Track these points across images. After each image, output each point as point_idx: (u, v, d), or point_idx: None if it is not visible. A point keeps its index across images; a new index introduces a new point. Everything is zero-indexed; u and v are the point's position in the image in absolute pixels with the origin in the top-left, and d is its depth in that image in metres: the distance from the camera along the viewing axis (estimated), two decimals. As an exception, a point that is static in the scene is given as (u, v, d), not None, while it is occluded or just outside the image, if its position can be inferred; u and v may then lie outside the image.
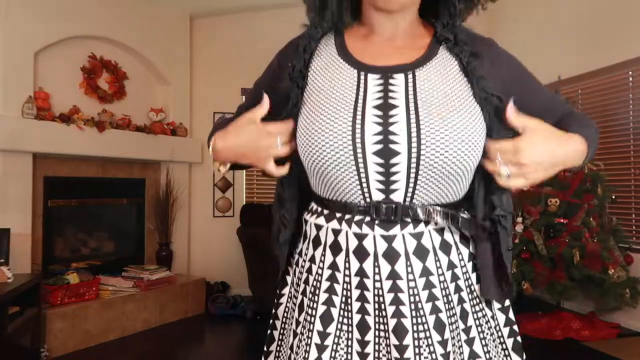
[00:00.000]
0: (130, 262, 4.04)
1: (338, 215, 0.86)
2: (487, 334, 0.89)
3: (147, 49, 4.28)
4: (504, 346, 0.91)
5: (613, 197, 3.51)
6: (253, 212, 4.16)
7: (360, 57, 0.87)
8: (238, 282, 4.42)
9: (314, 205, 0.92)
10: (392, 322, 0.81)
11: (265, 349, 1.01)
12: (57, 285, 3.24)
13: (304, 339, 0.86)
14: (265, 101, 0.85)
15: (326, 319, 0.85)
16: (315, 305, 0.86)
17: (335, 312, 0.85)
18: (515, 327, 0.93)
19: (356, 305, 0.84)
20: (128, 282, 3.68)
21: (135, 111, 4.19)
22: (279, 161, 0.86)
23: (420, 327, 0.80)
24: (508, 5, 4.19)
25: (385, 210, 0.81)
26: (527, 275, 3.39)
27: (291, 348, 0.89)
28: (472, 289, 0.89)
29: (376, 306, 0.83)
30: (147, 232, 4.30)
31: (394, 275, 0.82)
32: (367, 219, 0.83)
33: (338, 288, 0.86)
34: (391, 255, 0.82)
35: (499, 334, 0.91)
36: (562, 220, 3.44)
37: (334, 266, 0.86)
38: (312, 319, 0.86)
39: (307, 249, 0.92)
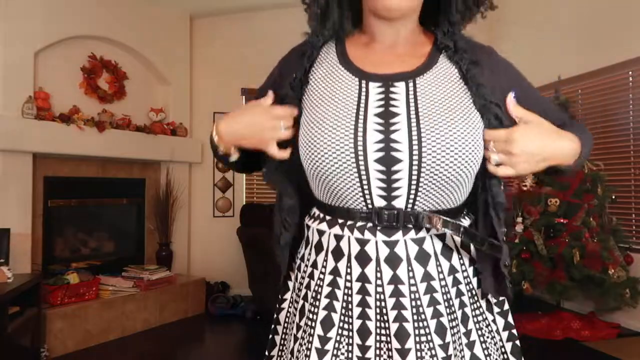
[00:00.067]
0: (130, 262, 4.05)
1: (340, 221, 0.87)
2: (487, 337, 0.89)
3: (147, 49, 4.28)
4: (502, 350, 0.92)
5: (613, 197, 3.51)
6: (253, 212, 4.15)
7: (361, 65, 0.88)
8: (238, 282, 4.42)
9: (315, 211, 0.93)
10: (394, 327, 0.82)
11: (266, 353, 1.02)
12: (57, 285, 3.24)
13: (305, 344, 0.87)
14: (270, 95, 0.88)
15: (327, 323, 0.86)
16: (316, 310, 0.87)
17: (336, 317, 0.86)
18: (514, 331, 0.94)
19: (357, 311, 0.85)
20: (128, 282, 3.68)
21: (135, 111, 4.19)
22: (281, 145, 0.87)
23: (422, 331, 0.81)
24: (508, 7, 4.20)
25: (387, 216, 0.82)
26: (527, 275, 3.39)
27: (291, 352, 0.90)
28: (474, 293, 0.90)
29: (378, 311, 0.84)
30: (147, 232, 4.30)
31: (395, 280, 0.83)
32: (369, 225, 0.83)
33: (339, 293, 0.86)
34: (393, 261, 0.83)
35: (499, 337, 0.92)
36: (562, 220, 3.44)
37: (335, 271, 0.87)
38: (313, 323, 0.86)
39: (310, 254, 0.92)
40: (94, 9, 3.86)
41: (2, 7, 3.29)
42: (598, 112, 3.77)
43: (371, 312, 0.84)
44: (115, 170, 4.06)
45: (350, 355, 0.84)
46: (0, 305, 2.50)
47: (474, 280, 0.90)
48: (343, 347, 0.84)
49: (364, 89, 0.84)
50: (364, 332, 0.84)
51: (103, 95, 3.96)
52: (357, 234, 0.84)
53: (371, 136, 0.80)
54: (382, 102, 0.82)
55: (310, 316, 0.87)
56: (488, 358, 0.88)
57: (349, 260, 0.86)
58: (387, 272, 0.83)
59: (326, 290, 0.87)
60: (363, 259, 0.84)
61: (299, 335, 0.89)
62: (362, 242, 0.84)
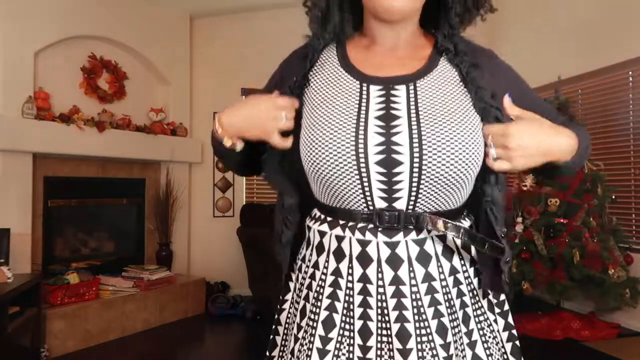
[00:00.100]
0: (130, 262, 4.05)
1: (341, 222, 0.87)
2: (489, 337, 0.90)
3: (147, 49, 4.28)
4: (502, 350, 0.92)
5: (613, 197, 3.51)
6: (253, 212, 4.15)
7: (362, 68, 0.88)
8: (238, 282, 4.42)
9: (316, 212, 0.93)
10: (395, 327, 0.82)
11: (267, 353, 1.02)
12: (57, 285, 3.24)
13: (306, 344, 0.87)
14: (275, 93, 0.88)
15: (328, 324, 0.86)
16: (318, 311, 0.87)
17: (337, 317, 0.86)
18: (514, 332, 0.95)
19: (358, 311, 0.85)
20: (128, 282, 3.68)
21: (135, 111, 4.19)
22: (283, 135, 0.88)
23: (423, 331, 0.82)
24: (507, 10, 4.20)
25: (388, 217, 0.82)
26: (527, 275, 3.39)
27: (292, 352, 0.90)
28: (475, 294, 0.90)
29: (379, 311, 0.84)
30: (147, 232, 4.30)
31: (397, 281, 0.83)
32: (370, 226, 0.84)
33: (340, 294, 0.87)
34: (394, 261, 0.84)
35: (499, 338, 0.92)
36: (562, 220, 3.44)
37: (337, 272, 0.87)
38: (315, 323, 0.87)
39: (311, 255, 0.93)
40: (94, 9, 3.86)
41: (2, 7, 3.29)
42: (598, 112, 3.77)
43: (372, 313, 0.84)
44: (115, 170, 4.06)
45: (351, 355, 0.84)
46: (0, 305, 2.50)
47: (475, 281, 0.91)
48: (344, 347, 0.85)
49: (364, 92, 0.85)
50: (365, 333, 0.84)
51: (103, 95, 3.96)
52: (358, 235, 0.85)
53: (372, 138, 0.81)
54: (383, 105, 0.83)
55: (312, 316, 0.88)
56: (490, 358, 0.88)
57: (350, 261, 0.86)
58: (388, 273, 0.84)
59: (328, 290, 0.87)
60: (364, 259, 0.85)
61: (300, 335, 0.89)
62: (364, 243, 0.84)
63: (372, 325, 0.84)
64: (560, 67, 3.85)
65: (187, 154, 4.48)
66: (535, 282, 3.41)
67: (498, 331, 0.92)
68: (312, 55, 0.92)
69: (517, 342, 0.94)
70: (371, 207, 0.83)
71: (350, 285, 0.86)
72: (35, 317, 2.91)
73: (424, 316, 0.82)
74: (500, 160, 0.78)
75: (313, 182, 0.89)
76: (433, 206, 0.84)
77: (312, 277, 0.91)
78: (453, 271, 0.87)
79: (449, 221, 0.83)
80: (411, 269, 0.84)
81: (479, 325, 0.89)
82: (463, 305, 0.88)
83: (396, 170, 0.80)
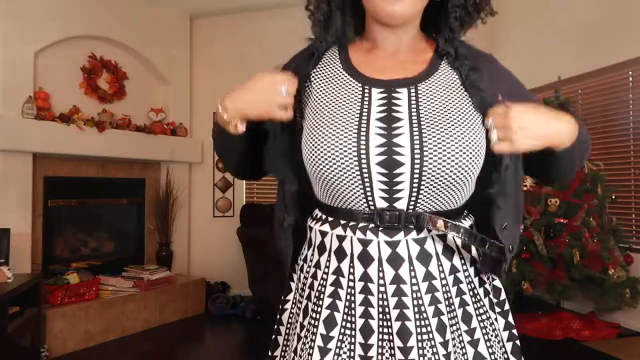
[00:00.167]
0: (130, 262, 4.05)
1: (343, 222, 0.88)
2: (491, 335, 0.91)
3: (147, 49, 4.28)
4: (503, 350, 0.93)
5: (613, 197, 3.51)
6: (253, 212, 4.15)
7: (364, 71, 0.90)
8: (238, 282, 4.42)
9: (317, 213, 0.94)
10: (396, 325, 0.83)
11: (269, 353, 1.03)
12: (57, 285, 3.24)
13: (308, 342, 0.88)
14: (279, 69, 0.89)
15: (330, 322, 0.87)
16: (319, 310, 0.88)
17: (338, 316, 0.87)
18: (514, 331, 0.96)
19: (360, 310, 0.86)
20: (128, 282, 3.68)
21: (135, 111, 4.19)
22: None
23: (424, 330, 0.83)
24: (507, 12, 4.20)
25: (389, 217, 0.84)
26: (527, 275, 3.39)
27: (295, 351, 0.91)
28: (475, 293, 0.91)
29: (380, 310, 0.85)
30: (147, 232, 4.30)
31: (397, 280, 0.85)
32: (372, 225, 0.85)
33: (342, 293, 0.88)
34: (395, 260, 0.85)
35: (500, 337, 0.93)
36: (562, 220, 3.44)
37: (338, 271, 0.89)
38: (316, 322, 0.88)
39: (312, 255, 0.94)
40: (94, 9, 3.87)
41: (2, 7, 3.29)
42: (598, 112, 3.77)
43: (374, 311, 0.85)
44: (115, 170, 4.06)
45: (352, 353, 0.85)
46: (0, 305, 2.50)
47: (476, 280, 0.92)
48: (345, 345, 0.86)
49: (367, 95, 0.86)
50: (366, 331, 0.85)
51: (103, 95, 3.96)
52: (359, 234, 0.86)
53: (374, 140, 0.82)
54: (385, 108, 0.85)
55: (314, 315, 0.89)
56: (492, 356, 0.89)
57: (351, 261, 0.87)
58: (389, 272, 0.85)
59: (329, 289, 0.89)
60: (365, 259, 0.86)
61: (302, 334, 0.90)
62: (365, 243, 0.86)
63: (374, 324, 0.85)
64: (560, 68, 3.85)
65: (187, 154, 4.48)
66: (535, 282, 3.41)
67: (498, 329, 0.93)
68: (316, 56, 0.93)
69: (518, 342, 0.95)
70: (372, 207, 0.84)
71: (351, 284, 0.87)
72: (35, 317, 2.91)
73: (424, 314, 0.83)
74: (502, 142, 0.78)
75: (315, 183, 0.90)
76: (433, 206, 0.85)
77: (314, 276, 0.92)
78: (453, 270, 0.88)
79: (449, 221, 0.84)
80: (412, 267, 0.85)
81: (481, 324, 0.90)
82: (463, 303, 0.89)
83: (397, 171, 0.81)
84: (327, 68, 0.93)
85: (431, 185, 0.82)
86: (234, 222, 4.32)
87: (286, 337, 1.00)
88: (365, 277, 0.86)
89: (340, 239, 0.88)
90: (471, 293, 0.90)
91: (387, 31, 0.90)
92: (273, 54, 0.99)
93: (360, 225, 0.86)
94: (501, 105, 0.78)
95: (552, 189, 3.50)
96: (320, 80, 0.92)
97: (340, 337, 0.86)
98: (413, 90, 0.86)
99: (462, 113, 0.84)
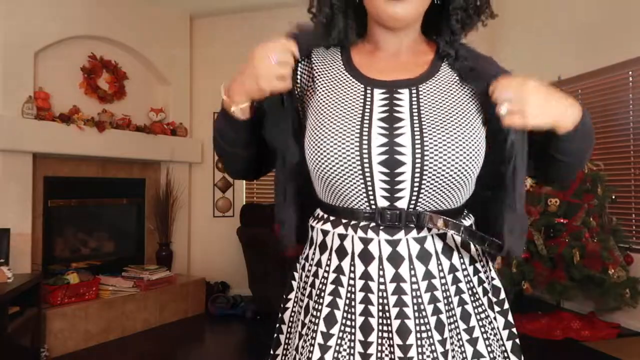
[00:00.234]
0: (130, 262, 4.05)
1: (344, 221, 0.89)
2: (490, 334, 0.92)
3: (147, 49, 4.28)
4: (503, 348, 0.94)
5: (613, 197, 3.51)
6: (253, 212, 4.16)
7: (366, 72, 0.91)
8: (238, 282, 4.42)
9: (319, 212, 0.96)
10: (395, 323, 0.84)
11: (271, 352, 1.04)
12: (57, 285, 3.24)
13: (309, 340, 0.89)
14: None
15: (330, 320, 0.88)
16: (320, 307, 0.89)
17: (338, 314, 0.88)
18: (514, 330, 0.96)
19: (360, 308, 0.87)
20: (128, 282, 3.68)
21: (135, 111, 4.19)
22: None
23: (423, 328, 0.84)
24: (507, 13, 4.20)
25: (390, 216, 0.84)
26: (527, 275, 3.39)
27: (296, 349, 0.92)
28: (475, 291, 0.92)
29: (380, 308, 0.86)
30: (147, 232, 4.30)
31: (398, 278, 0.85)
32: (373, 224, 0.86)
33: (342, 291, 0.89)
34: (395, 259, 0.86)
35: (499, 336, 0.94)
36: (562, 220, 3.44)
37: (339, 270, 0.89)
38: (317, 320, 0.89)
39: (314, 253, 0.95)
40: (94, 9, 3.87)
41: (2, 7, 3.29)
42: (598, 112, 3.77)
43: (374, 309, 0.86)
44: (115, 170, 4.07)
45: (352, 351, 0.86)
46: (0, 305, 2.50)
47: (475, 279, 0.92)
48: (345, 343, 0.87)
49: (369, 95, 0.88)
50: (366, 328, 0.86)
51: (103, 95, 3.96)
52: (360, 233, 0.87)
53: (376, 140, 0.83)
54: (387, 108, 0.86)
55: (314, 313, 0.90)
56: (491, 354, 0.90)
57: (352, 259, 0.88)
58: (389, 270, 0.85)
59: (330, 288, 0.90)
60: (366, 257, 0.87)
61: (303, 332, 0.91)
62: (366, 241, 0.87)
63: (373, 322, 0.86)
64: (561, 68, 3.85)
65: (187, 154, 4.48)
66: (535, 282, 3.41)
67: (498, 328, 0.94)
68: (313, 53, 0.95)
69: (517, 340, 0.95)
70: (373, 206, 0.85)
71: (352, 282, 0.88)
72: (35, 317, 2.91)
73: (423, 313, 0.84)
74: (513, 114, 0.77)
75: (317, 182, 0.91)
76: (434, 205, 0.86)
77: (315, 275, 0.93)
78: (452, 269, 0.89)
79: (450, 219, 0.85)
80: (412, 266, 0.86)
81: (480, 323, 0.91)
82: (462, 302, 0.89)
83: (398, 170, 0.83)
84: (330, 69, 0.94)
85: (432, 184, 0.83)
86: (234, 222, 4.33)
87: (288, 335, 1.00)
88: (366, 275, 0.87)
89: (342, 237, 0.89)
90: (470, 292, 0.91)
91: (389, 33, 0.91)
92: (273, 54, 0.98)
93: (362, 224, 0.87)
94: (517, 77, 0.78)
95: (552, 189, 3.51)
96: (323, 82, 0.93)
97: (340, 334, 0.87)
98: (414, 91, 0.87)
99: (462, 114, 0.86)
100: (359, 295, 0.87)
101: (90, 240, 4.06)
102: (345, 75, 0.92)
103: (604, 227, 3.44)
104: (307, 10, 0.96)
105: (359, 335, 0.86)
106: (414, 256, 0.86)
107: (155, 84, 4.46)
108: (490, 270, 0.96)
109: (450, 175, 0.83)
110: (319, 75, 0.94)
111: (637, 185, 3.52)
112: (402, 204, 0.84)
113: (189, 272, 4.52)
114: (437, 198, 0.85)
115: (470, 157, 0.83)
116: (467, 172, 0.84)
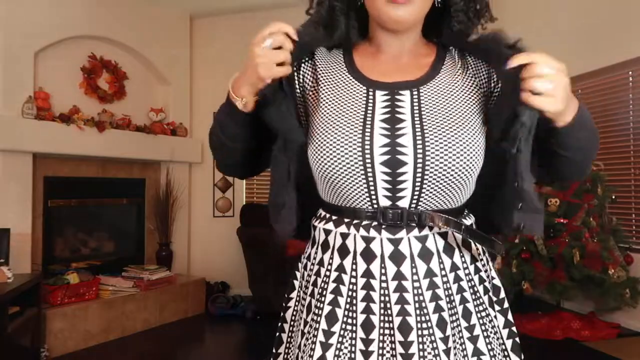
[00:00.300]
0: (130, 262, 4.05)
1: (346, 220, 0.90)
2: (490, 332, 0.92)
3: (147, 49, 4.28)
4: (503, 347, 0.95)
5: (613, 197, 3.51)
6: (253, 212, 4.16)
7: (368, 74, 0.92)
8: (238, 282, 4.43)
9: (321, 212, 0.97)
10: (397, 320, 0.85)
11: (274, 350, 1.04)
12: (57, 285, 3.24)
13: (310, 338, 0.90)
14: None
15: (331, 318, 0.89)
16: (321, 306, 0.90)
17: (340, 312, 0.89)
18: (514, 329, 0.97)
19: (361, 306, 0.88)
20: (128, 282, 3.68)
21: (135, 111, 4.19)
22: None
23: (424, 325, 0.85)
24: (507, 13, 4.19)
25: (392, 215, 0.86)
26: (527, 275, 3.39)
27: (299, 347, 0.93)
28: (475, 290, 0.93)
29: (382, 305, 0.87)
30: (147, 232, 4.30)
31: (399, 276, 0.86)
32: (375, 223, 0.87)
33: (343, 289, 0.90)
34: (397, 257, 0.87)
35: (500, 334, 0.95)
36: (562, 220, 3.44)
37: (341, 268, 0.90)
38: (319, 318, 0.90)
39: (316, 252, 0.96)
40: (94, 9, 3.87)
41: (2, 7, 3.29)
42: (598, 112, 3.77)
43: (375, 307, 0.87)
44: (115, 170, 4.07)
45: (353, 348, 0.87)
46: (0, 305, 2.50)
47: (476, 278, 0.93)
48: (346, 340, 0.87)
49: (371, 97, 0.89)
50: (367, 326, 0.87)
51: (103, 95, 3.96)
52: (362, 232, 0.88)
53: (378, 140, 0.84)
54: (389, 109, 0.87)
55: (316, 311, 0.91)
56: (491, 352, 0.91)
57: (354, 257, 0.89)
58: (391, 269, 0.86)
59: (331, 286, 0.91)
60: (368, 255, 0.88)
61: (305, 330, 0.92)
62: (368, 240, 0.88)
63: (375, 319, 0.87)
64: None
65: (187, 154, 4.48)
66: (535, 282, 3.41)
67: (498, 327, 0.94)
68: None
69: (517, 339, 0.96)
70: (376, 206, 0.86)
71: (353, 280, 0.89)
72: (35, 317, 2.91)
73: (425, 310, 0.85)
74: (547, 96, 0.74)
75: (320, 182, 0.92)
76: (435, 205, 0.87)
77: (317, 274, 0.94)
78: (454, 268, 0.90)
79: (451, 218, 0.86)
80: (413, 265, 0.87)
81: (480, 321, 0.91)
82: (463, 300, 0.90)
83: (400, 170, 0.84)
84: (333, 71, 0.95)
85: (433, 184, 0.84)
86: (234, 222, 4.33)
87: (290, 334, 1.01)
88: (368, 274, 0.88)
89: (344, 236, 0.90)
90: (471, 290, 0.92)
91: (391, 36, 0.93)
92: (273, 54, 0.98)
93: (364, 223, 0.88)
94: (553, 59, 0.75)
95: (552, 189, 3.51)
96: (326, 84, 0.94)
97: (342, 332, 0.88)
98: (415, 93, 0.89)
99: (463, 114, 0.87)
100: (361, 293, 0.88)
101: (90, 240, 4.06)
102: (348, 78, 0.93)
103: (604, 227, 3.44)
104: (305, 12, 0.96)
105: (360, 333, 0.87)
106: (415, 254, 0.87)
107: (155, 84, 4.46)
108: (490, 269, 0.97)
109: (451, 175, 0.84)
110: (322, 76, 0.95)
111: (637, 185, 3.53)
112: (403, 203, 0.85)
113: (189, 272, 4.53)
114: (439, 197, 0.86)
115: (471, 157, 0.84)
116: (468, 172, 0.85)
